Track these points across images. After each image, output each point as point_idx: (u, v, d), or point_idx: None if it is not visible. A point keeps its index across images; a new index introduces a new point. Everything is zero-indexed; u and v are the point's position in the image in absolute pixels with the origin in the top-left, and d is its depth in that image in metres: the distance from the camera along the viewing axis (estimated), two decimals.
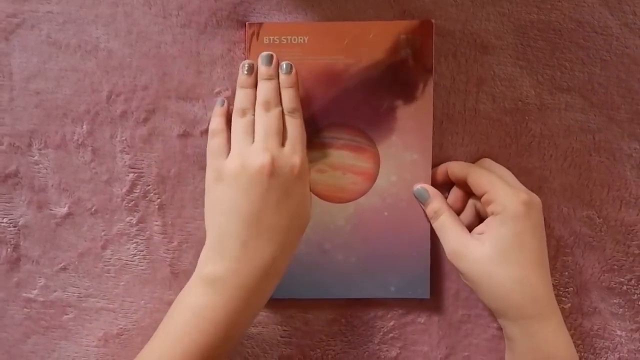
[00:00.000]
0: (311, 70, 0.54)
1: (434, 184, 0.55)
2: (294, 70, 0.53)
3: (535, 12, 0.56)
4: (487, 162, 0.55)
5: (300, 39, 0.54)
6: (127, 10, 0.55)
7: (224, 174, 0.49)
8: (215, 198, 0.50)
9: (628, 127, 0.56)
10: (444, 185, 0.56)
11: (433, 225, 0.54)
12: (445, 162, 0.56)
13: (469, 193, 0.55)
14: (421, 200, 0.55)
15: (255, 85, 0.53)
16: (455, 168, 0.55)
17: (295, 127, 0.51)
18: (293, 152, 0.50)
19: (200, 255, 0.49)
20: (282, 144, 0.50)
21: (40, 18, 0.55)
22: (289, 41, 0.54)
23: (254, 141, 0.50)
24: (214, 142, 0.52)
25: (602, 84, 0.56)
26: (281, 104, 0.52)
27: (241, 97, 0.52)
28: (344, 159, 0.55)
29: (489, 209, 0.51)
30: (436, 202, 0.54)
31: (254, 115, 0.51)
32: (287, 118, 0.51)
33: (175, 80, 0.56)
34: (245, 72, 0.53)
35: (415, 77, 0.55)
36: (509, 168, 0.54)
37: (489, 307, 0.52)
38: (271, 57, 0.53)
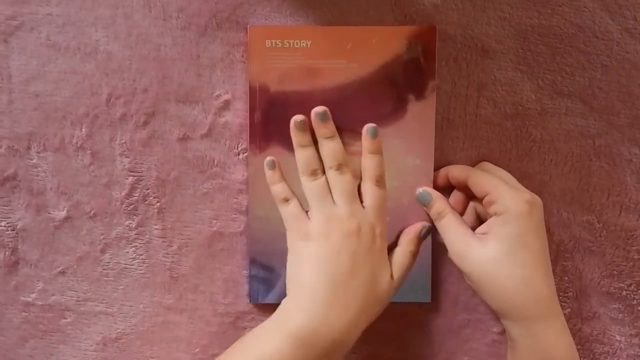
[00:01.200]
0: (313, 74, 0.54)
1: (435, 188, 0.55)
2: (379, 135, 0.53)
3: (536, 16, 0.56)
4: (487, 165, 0.55)
5: (303, 42, 0.54)
6: (126, 13, 0.55)
7: (311, 234, 0.50)
8: (302, 254, 0.50)
9: (628, 132, 0.57)
10: (445, 189, 0.56)
11: (436, 226, 0.54)
12: (446, 166, 0.56)
13: (469, 196, 0.55)
14: (424, 203, 0.54)
15: (313, 143, 0.53)
16: (455, 171, 0.55)
17: (381, 198, 0.52)
18: (377, 222, 0.51)
19: (282, 305, 0.50)
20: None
21: (39, 20, 0.54)
22: (291, 45, 0.54)
23: (334, 201, 0.51)
24: (290, 208, 0.52)
25: (602, 88, 0.56)
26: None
27: (306, 157, 0.52)
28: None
29: (492, 209, 0.51)
30: (439, 204, 0.54)
31: (324, 174, 0.52)
32: (372, 186, 0.52)
33: (175, 83, 0.55)
34: (299, 128, 0.53)
35: (418, 82, 0.54)
36: (509, 172, 0.54)
37: (491, 308, 0.52)
38: (326, 113, 0.53)
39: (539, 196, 0.54)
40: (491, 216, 0.51)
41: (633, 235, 0.57)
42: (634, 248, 0.57)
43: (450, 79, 0.56)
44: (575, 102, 0.56)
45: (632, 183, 0.57)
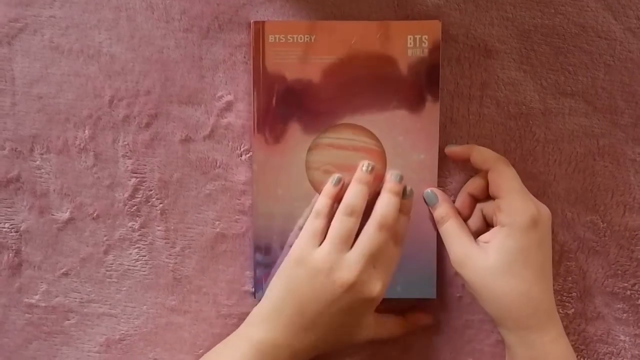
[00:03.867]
0: (317, 69, 0.54)
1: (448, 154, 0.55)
2: (413, 197, 0.54)
3: (539, 16, 0.55)
4: (505, 164, 0.53)
5: (307, 37, 0.54)
6: (129, 15, 0.55)
7: (307, 264, 0.50)
8: (288, 277, 0.51)
9: (632, 131, 0.56)
10: (450, 188, 0.56)
11: (439, 230, 0.54)
12: (449, 166, 0.56)
13: (476, 199, 0.55)
14: (429, 204, 0.55)
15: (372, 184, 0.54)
16: (479, 157, 0.53)
17: (395, 256, 0.53)
18: (379, 278, 0.51)
19: (252, 313, 0.52)
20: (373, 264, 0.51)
21: (42, 23, 0.55)
22: (294, 40, 0.54)
23: (350, 248, 0.51)
24: (314, 225, 0.52)
25: (605, 88, 0.56)
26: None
27: (355, 193, 0.53)
28: (351, 160, 0.55)
29: (498, 218, 0.51)
30: (443, 207, 0.54)
31: (359, 218, 0.52)
32: (391, 243, 0.52)
33: (177, 85, 0.55)
34: (365, 169, 0.54)
35: (422, 77, 0.54)
36: None
37: (489, 315, 0.52)
38: (374, 167, 0.54)
39: (543, 196, 0.54)
40: (497, 224, 0.51)
41: (637, 235, 0.57)
42: (638, 248, 0.57)
43: (453, 79, 0.56)
44: (579, 102, 0.56)
45: (636, 183, 0.57)
